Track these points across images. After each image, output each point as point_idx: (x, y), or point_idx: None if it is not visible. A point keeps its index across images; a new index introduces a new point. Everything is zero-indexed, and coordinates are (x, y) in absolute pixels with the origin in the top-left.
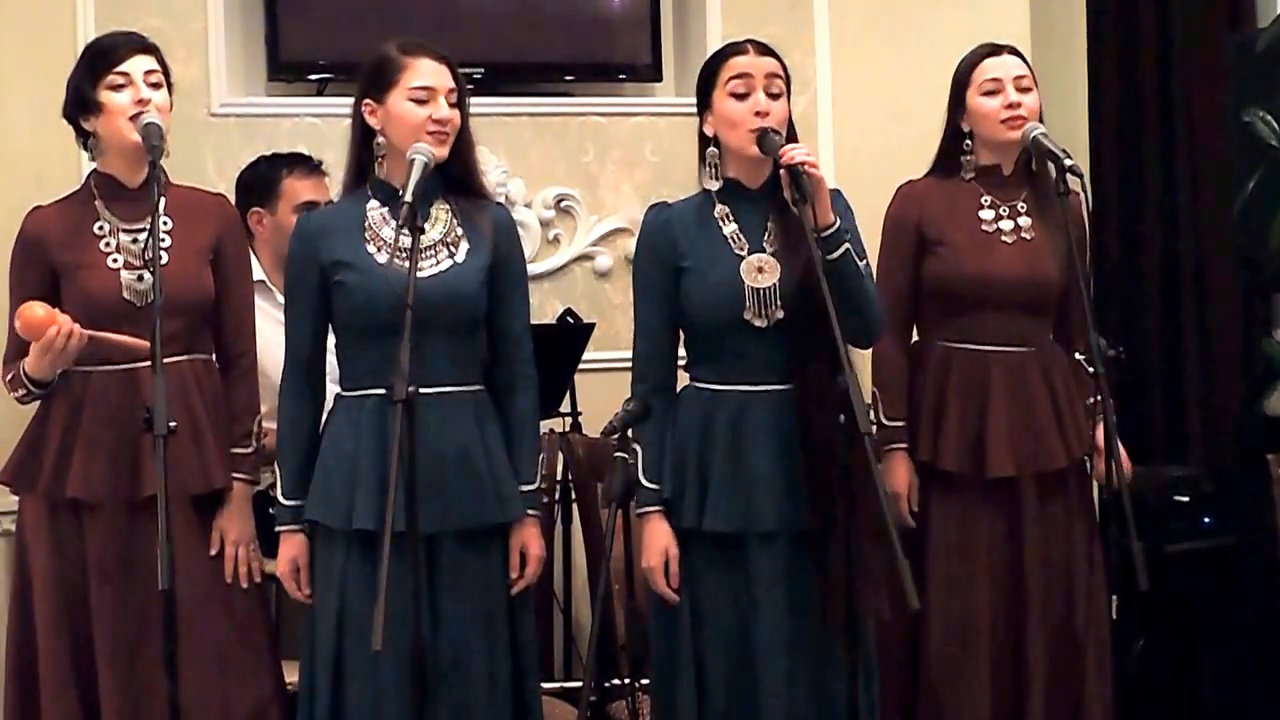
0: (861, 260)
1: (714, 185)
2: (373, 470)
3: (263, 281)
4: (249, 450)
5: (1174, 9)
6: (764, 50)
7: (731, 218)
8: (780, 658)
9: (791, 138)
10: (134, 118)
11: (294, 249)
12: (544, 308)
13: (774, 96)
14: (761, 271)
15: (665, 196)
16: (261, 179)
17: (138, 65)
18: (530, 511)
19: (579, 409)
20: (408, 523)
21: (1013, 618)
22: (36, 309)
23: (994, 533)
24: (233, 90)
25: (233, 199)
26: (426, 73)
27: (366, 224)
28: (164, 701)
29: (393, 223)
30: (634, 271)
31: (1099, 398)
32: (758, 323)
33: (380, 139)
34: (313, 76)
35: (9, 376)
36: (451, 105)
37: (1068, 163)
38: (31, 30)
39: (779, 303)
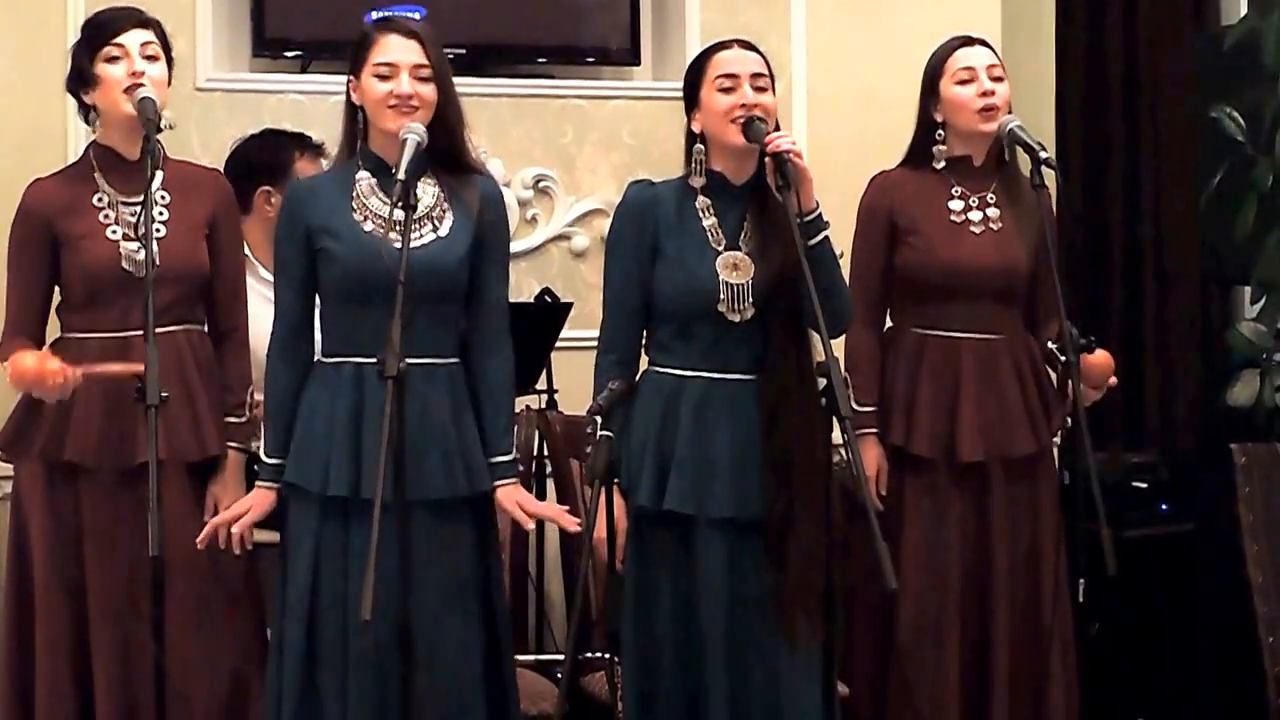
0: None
1: (699, 182)
2: (348, 438)
3: (247, 258)
4: (242, 420)
5: (1140, 4)
6: (749, 46)
7: (711, 211)
8: (719, 642)
9: (776, 129)
10: (128, 90)
11: (284, 212)
12: (520, 286)
13: (759, 90)
14: (736, 268)
15: (642, 178)
16: (273, 158)
17: (134, 38)
18: (509, 479)
19: (555, 387)
20: (394, 495)
21: (980, 599)
22: (27, 360)
23: (964, 516)
24: (218, 65)
25: (223, 172)
26: (390, 48)
27: (354, 192)
28: (173, 661)
29: (380, 193)
30: (609, 243)
31: (1070, 386)
32: (731, 316)
33: (361, 114)
34: (297, 53)
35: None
36: (422, 80)
37: (1043, 155)
38: (19, 4)
39: (751, 299)
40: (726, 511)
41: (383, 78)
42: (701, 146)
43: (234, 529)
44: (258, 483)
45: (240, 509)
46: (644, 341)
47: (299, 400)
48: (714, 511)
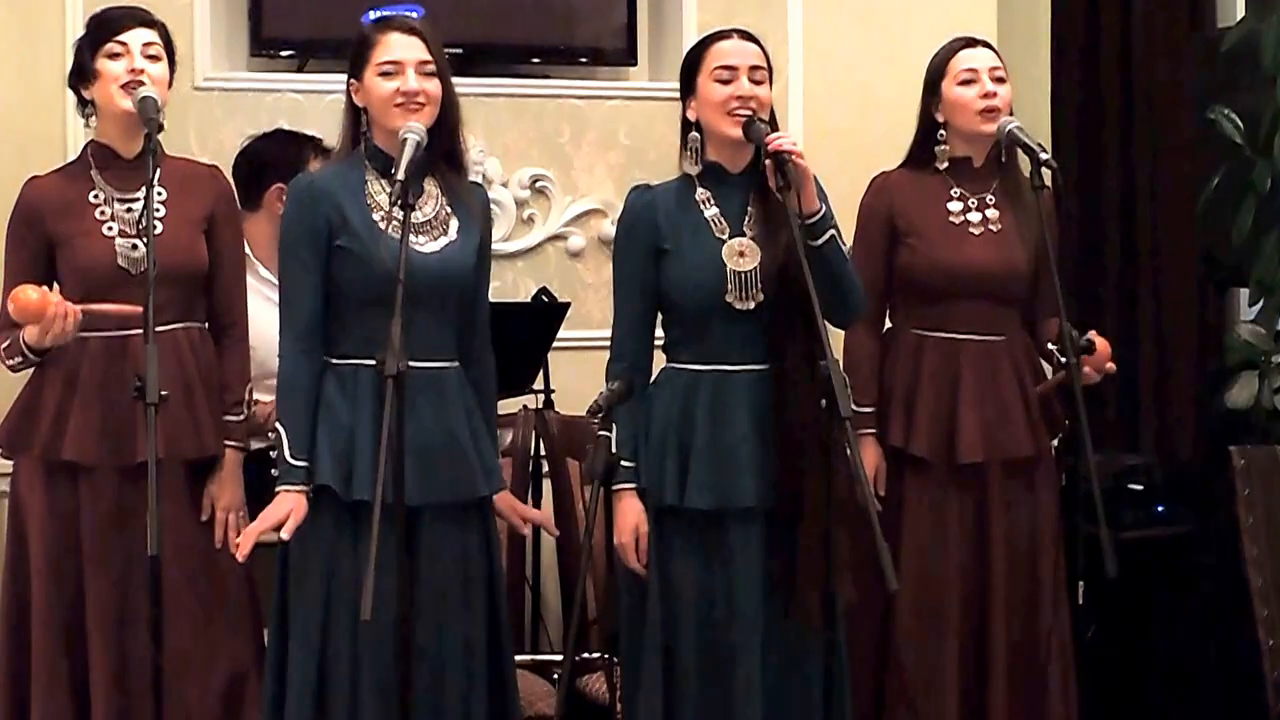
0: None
1: (694, 169)
2: (371, 442)
3: (247, 256)
4: (240, 418)
5: (1136, 6)
6: (748, 37)
7: (712, 201)
8: (754, 637)
9: (774, 124)
10: (125, 86)
11: (295, 208)
12: (517, 286)
13: (757, 83)
14: (743, 255)
15: (638, 179)
16: (292, 156)
17: (137, 37)
18: (503, 484)
19: (552, 387)
20: (395, 496)
21: (979, 600)
22: (29, 293)
23: (963, 517)
24: (216, 65)
25: (229, 171)
26: (393, 46)
27: (367, 191)
28: (167, 660)
29: (389, 193)
30: (615, 251)
31: (1064, 378)
32: (739, 305)
33: (364, 116)
34: (294, 53)
35: (5, 345)
36: (427, 75)
37: (1043, 156)
38: (19, 3)
39: (759, 286)
40: (751, 501)
41: (388, 75)
42: (697, 135)
43: (283, 534)
44: (284, 487)
45: (278, 516)
46: (660, 343)
47: (316, 398)
48: (739, 502)
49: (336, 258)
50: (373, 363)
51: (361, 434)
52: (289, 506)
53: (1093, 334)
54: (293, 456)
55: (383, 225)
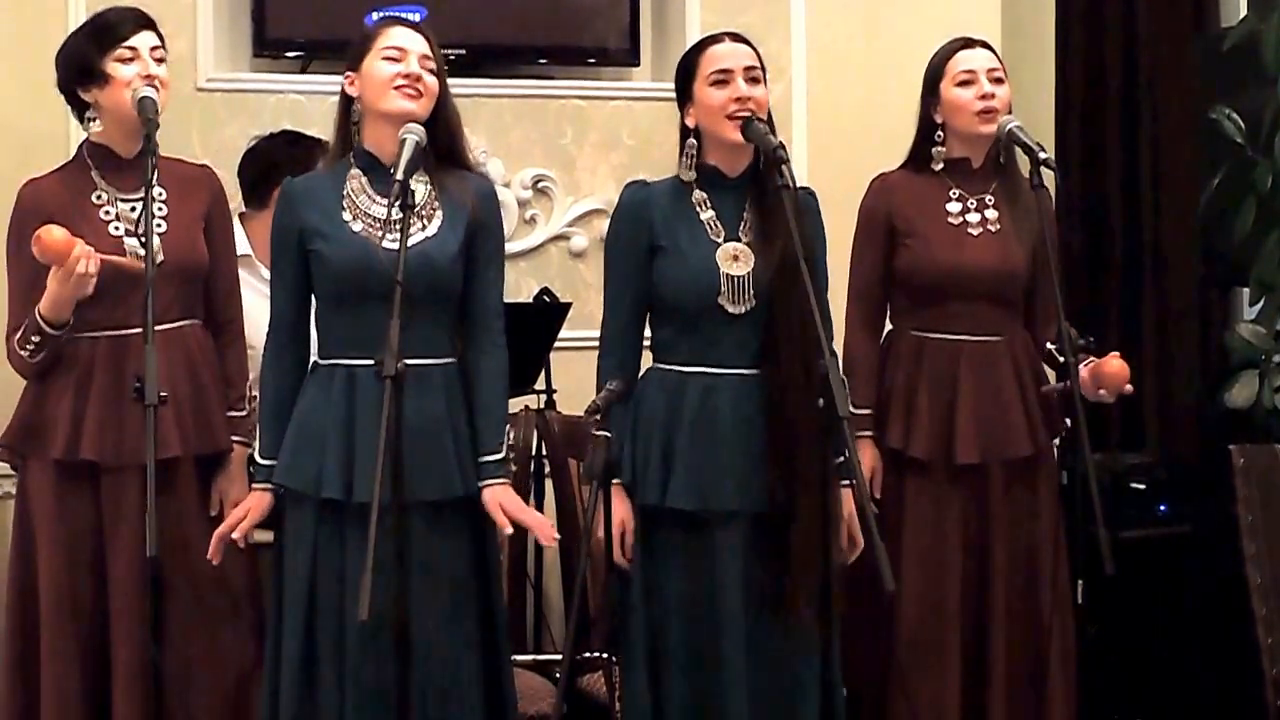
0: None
1: (689, 176)
2: (341, 441)
3: (248, 255)
4: (244, 414)
5: (1139, 5)
6: (740, 39)
7: (709, 204)
8: (739, 639)
9: (771, 124)
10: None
11: (278, 212)
12: (519, 286)
13: (752, 82)
14: (736, 259)
15: (639, 179)
16: (298, 156)
17: (144, 40)
18: (496, 479)
19: (553, 387)
20: (391, 495)
21: (979, 601)
22: (55, 231)
23: (963, 518)
24: (218, 65)
25: (231, 172)
26: (398, 36)
27: (346, 191)
28: (176, 660)
29: (371, 191)
30: (607, 246)
31: (1069, 385)
32: (731, 309)
33: (356, 105)
34: (297, 54)
35: (17, 336)
36: (428, 70)
37: (1042, 156)
38: (19, 4)
39: (752, 291)
40: (733, 506)
41: (391, 59)
42: (695, 141)
43: (235, 535)
44: (253, 485)
45: (239, 515)
46: (647, 341)
47: (293, 402)
48: (723, 505)
49: (311, 261)
50: (347, 361)
51: (331, 433)
52: (248, 506)
53: (1113, 355)
54: (262, 455)
55: (355, 226)
